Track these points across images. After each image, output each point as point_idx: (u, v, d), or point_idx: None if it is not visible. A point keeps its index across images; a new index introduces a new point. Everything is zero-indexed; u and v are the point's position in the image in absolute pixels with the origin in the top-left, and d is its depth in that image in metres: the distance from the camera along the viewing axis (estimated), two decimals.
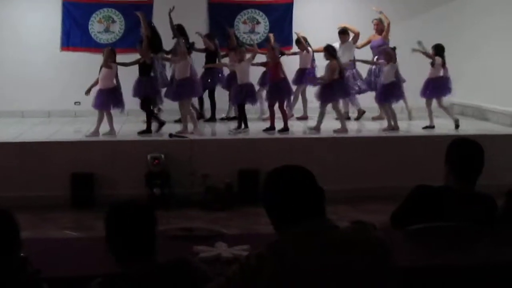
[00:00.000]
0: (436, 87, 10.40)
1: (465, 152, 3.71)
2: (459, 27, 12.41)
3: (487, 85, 11.57)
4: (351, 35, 11.40)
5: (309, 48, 11.20)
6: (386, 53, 10.41)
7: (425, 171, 6.55)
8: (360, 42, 11.52)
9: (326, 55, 10.12)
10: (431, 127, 10.28)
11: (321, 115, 10.02)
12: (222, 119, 11.23)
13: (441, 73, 10.39)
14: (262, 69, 10.80)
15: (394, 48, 10.62)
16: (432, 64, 10.32)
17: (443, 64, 10.38)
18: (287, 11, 12.80)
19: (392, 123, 10.22)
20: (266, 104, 10.66)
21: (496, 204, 3.72)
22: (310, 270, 2.38)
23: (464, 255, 3.31)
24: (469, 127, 10.71)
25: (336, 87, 9.97)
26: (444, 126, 10.35)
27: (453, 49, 12.34)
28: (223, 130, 10.28)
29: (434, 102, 10.51)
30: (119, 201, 2.73)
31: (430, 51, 10.41)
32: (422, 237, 3.52)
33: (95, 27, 12.45)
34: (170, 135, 9.40)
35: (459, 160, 3.68)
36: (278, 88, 10.11)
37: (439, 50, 10.32)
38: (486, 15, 11.77)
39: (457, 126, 10.25)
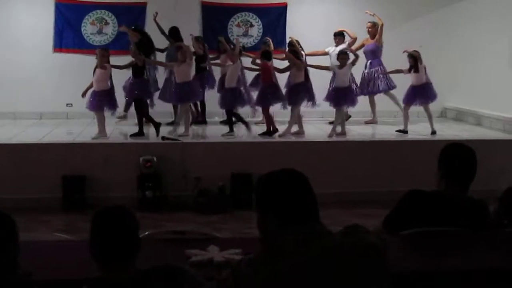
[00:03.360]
0: (422, 93, 10.32)
1: (458, 157, 3.71)
2: (453, 32, 12.45)
3: (481, 91, 11.59)
4: (347, 39, 11.38)
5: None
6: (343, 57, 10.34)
7: (418, 176, 6.54)
8: (353, 46, 11.50)
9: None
10: (405, 131, 10.24)
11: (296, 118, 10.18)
12: (221, 122, 11.18)
13: (424, 80, 10.31)
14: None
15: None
16: (416, 71, 10.20)
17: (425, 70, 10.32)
18: (280, 14, 12.81)
19: (341, 128, 10.24)
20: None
21: (488, 209, 3.72)
22: (303, 275, 2.37)
23: (457, 260, 3.30)
24: (463, 132, 10.74)
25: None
26: (437, 131, 10.35)
27: (447, 54, 12.43)
28: (215, 133, 10.27)
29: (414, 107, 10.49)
30: (103, 207, 2.73)
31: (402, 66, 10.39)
32: (415, 242, 3.51)
33: (88, 28, 12.42)
34: (163, 137, 9.37)
35: (452, 165, 3.68)
36: (267, 92, 10.14)
37: (419, 57, 10.25)
38: (480, 20, 11.80)
39: (401, 131, 10.21)
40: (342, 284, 2.40)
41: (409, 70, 10.27)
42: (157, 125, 9.84)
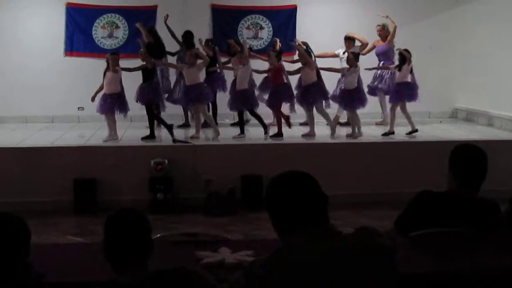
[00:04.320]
0: (404, 91, 10.29)
1: (468, 157, 3.70)
2: (463, 32, 12.39)
3: (492, 91, 11.54)
4: (357, 43, 11.35)
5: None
6: (348, 59, 10.24)
7: (429, 177, 6.53)
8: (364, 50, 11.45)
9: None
10: (415, 131, 10.16)
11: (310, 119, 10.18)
12: (232, 124, 11.17)
13: (409, 79, 10.29)
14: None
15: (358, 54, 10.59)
16: (399, 69, 10.24)
17: (411, 70, 10.29)
18: (290, 16, 12.80)
19: (356, 129, 10.14)
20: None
21: (500, 209, 3.71)
22: (314, 276, 2.38)
23: (468, 261, 3.29)
24: (473, 132, 10.70)
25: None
26: (448, 131, 10.31)
27: (458, 54, 12.37)
28: (226, 135, 10.27)
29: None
30: (117, 209, 2.74)
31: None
32: (426, 243, 3.51)
33: (99, 32, 12.47)
34: (174, 140, 9.39)
35: (462, 166, 3.67)
36: (278, 92, 10.14)
37: (409, 58, 10.20)
38: (490, 20, 11.74)
39: (410, 132, 10.11)
40: (351, 285, 2.41)
41: (396, 67, 10.33)
42: (169, 127, 9.83)
